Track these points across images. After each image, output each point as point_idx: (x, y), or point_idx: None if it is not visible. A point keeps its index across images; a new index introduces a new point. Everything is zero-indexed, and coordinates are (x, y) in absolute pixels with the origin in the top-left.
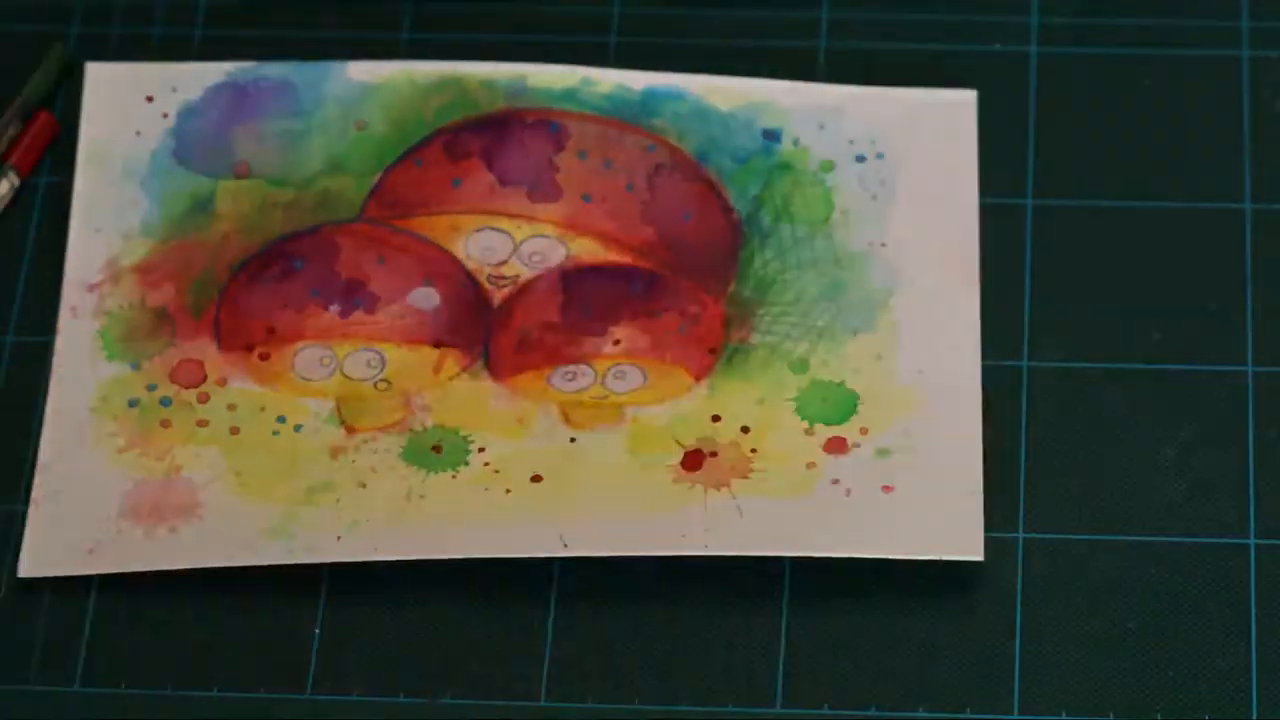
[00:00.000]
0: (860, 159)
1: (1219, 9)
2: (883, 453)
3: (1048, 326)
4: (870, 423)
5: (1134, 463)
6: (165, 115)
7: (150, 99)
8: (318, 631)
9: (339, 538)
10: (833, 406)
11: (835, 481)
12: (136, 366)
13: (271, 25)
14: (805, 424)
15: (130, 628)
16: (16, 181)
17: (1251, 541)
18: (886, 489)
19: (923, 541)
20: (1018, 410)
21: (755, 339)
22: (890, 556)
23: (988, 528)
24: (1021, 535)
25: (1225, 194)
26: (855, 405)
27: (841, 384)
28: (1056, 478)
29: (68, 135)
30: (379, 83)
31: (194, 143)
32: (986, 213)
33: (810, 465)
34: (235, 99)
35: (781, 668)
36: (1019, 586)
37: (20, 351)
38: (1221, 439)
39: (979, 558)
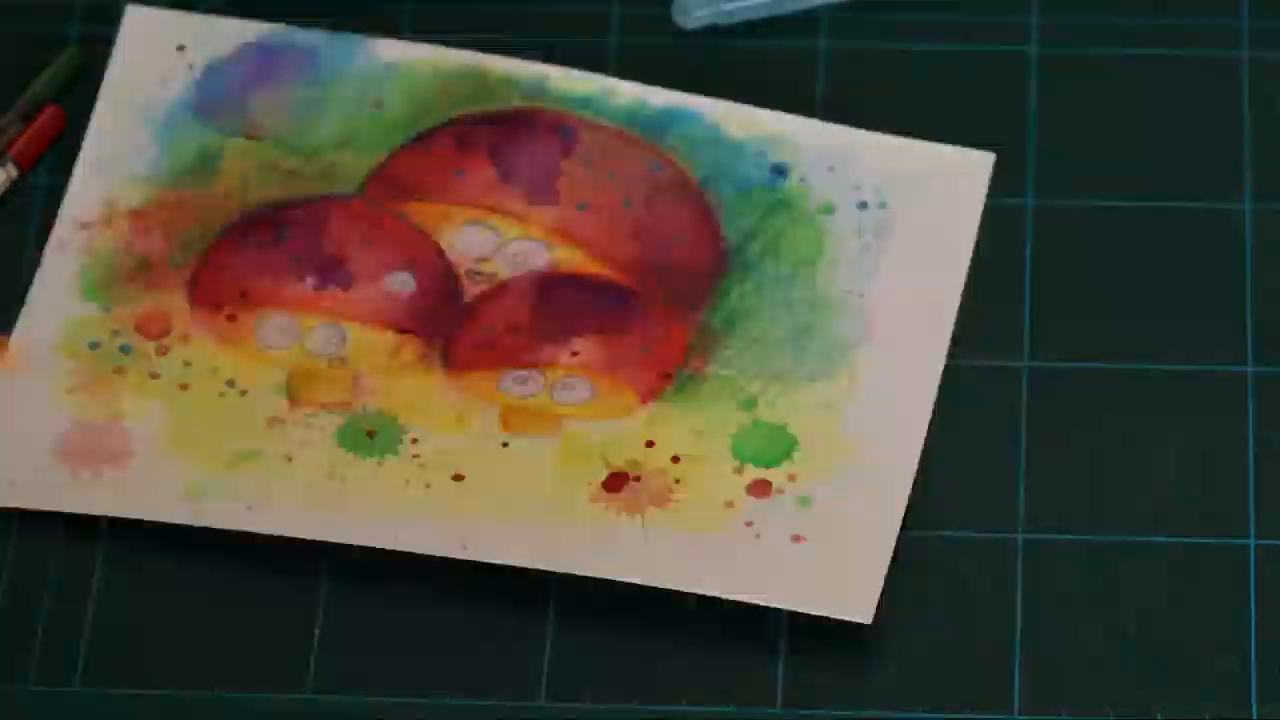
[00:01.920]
0: (862, 206)
1: (1219, 9)
2: (804, 502)
3: (1048, 326)
4: (801, 470)
5: (1134, 463)
6: (191, 66)
7: (181, 48)
8: (318, 631)
9: (250, 508)
10: (767, 448)
11: (748, 524)
12: (107, 309)
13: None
14: (736, 462)
15: (130, 627)
16: (15, 174)
17: (1251, 542)
18: (796, 539)
19: (818, 597)
20: (1018, 410)
21: (710, 370)
22: (780, 606)
23: (986, 526)
24: (1021, 535)
25: (1225, 194)
26: (791, 451)
27: (783, 427)
28: (1056, 478)
29: (74, 133)
30: (402, 63)
31: (213, 98)
32: (986, 213)
33: (729, 504)
34: (262, 60)
35: (781, 668)
36: (1019, 586)
37: None
38: (1221, 439)
39: (867, 620)
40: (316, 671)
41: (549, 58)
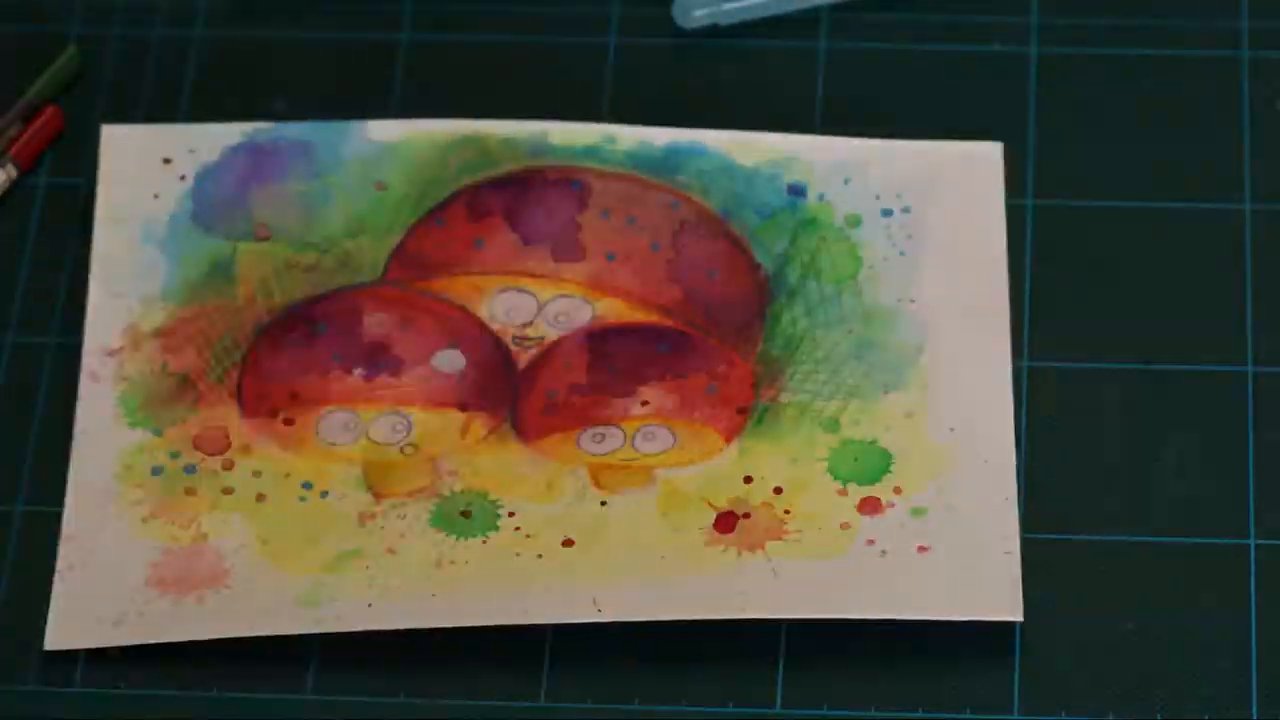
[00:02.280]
0: (887, 213)
1: (1219, 9)
2: (918, 512)
3: (1048, 326)
4: (904, 482)
5: (1134, 463)
6: (183, 178)
7: (168, 161)
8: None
9: (370, 605)
10: (865, 466)
11: (870, 542)
12: (159, 433)
13: (271, 27)
14: (838, 484)
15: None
16: (14, 174)
17: (1251, 542)
18: (922, 549)
19: (960, 602)
20: (1018, 410)
21: (785, 398)
22: (927, 618)
23: None
24: (1021, 535)
25: (1225, 194)
26: (888, 464)
27: (874, 443)
28: (1056, 478)
29: (74, 133)
30: (398, 142)
31: (212, 205)
32: None
33: (844, 526)
34: (253, 160)
35: (781, 668)
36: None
37: (20, 351)
38: (1221, 439)
39: (1017, 619)
40: (316, 671)
41: (549, 58)
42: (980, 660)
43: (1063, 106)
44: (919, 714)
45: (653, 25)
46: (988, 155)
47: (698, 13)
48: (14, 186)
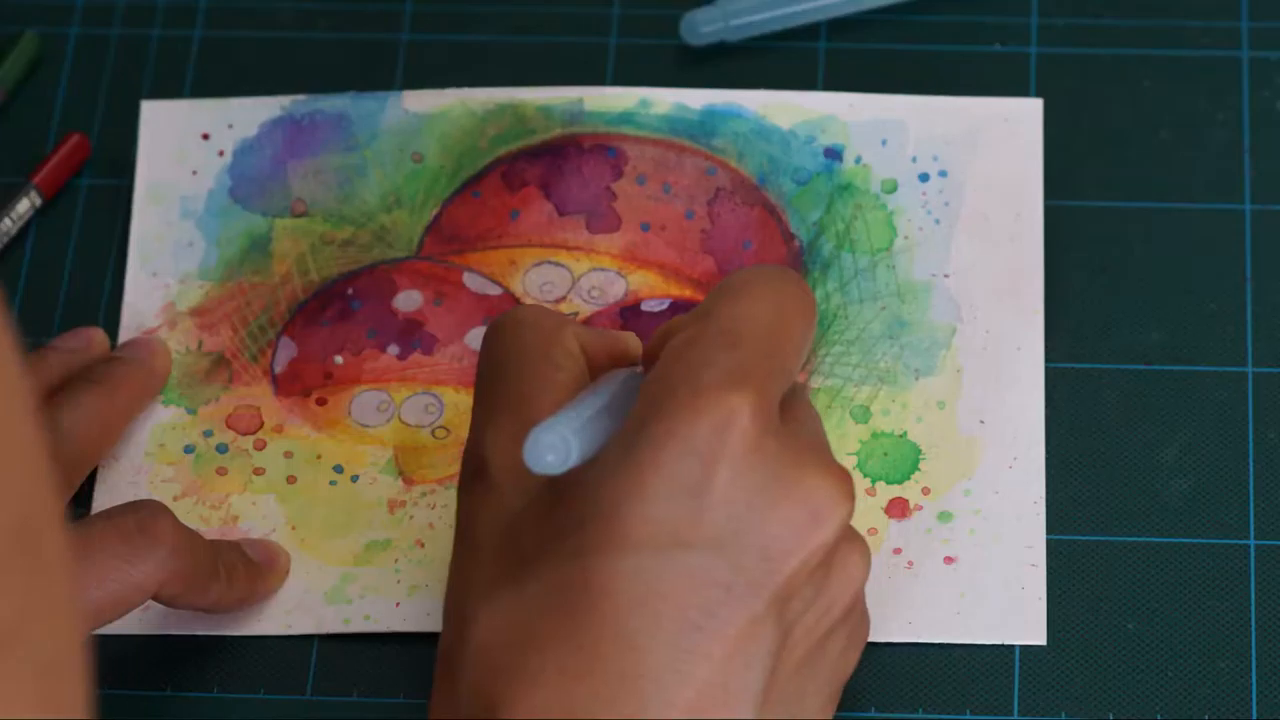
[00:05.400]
0: (923, 178)
1: (1219, 9)
2: (945, 517)
3: (1048, 326)
4: (932, 481)
5: (1134, 463)
6: (221, 153)
7: (206, 136)
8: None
9: (398, 604)
10: (894, 462)
11: (897, 551)
12: (193, 411)
13: (271, 28)
14: (867, 482)
15: (129, 628)
16: (39, 201)
17: (1251, 542)
18: (948, 560)
19: (986, 626)
20: None
21: (816, 382)
22: (952, 641)
23: None
24: None
25: (1225, 194)
26: (917, 461)
27: (903, 436)
28: (1056, 478)
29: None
30: (435, 113)
31: (250, 181)
32: None
33: (872, 531)
34: (291, 134)
35: None
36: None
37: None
38: (1221, 439)
39: (1041, 642)
40: (316, 671)
41: (549, 58)
42: (980, 661)
43: (1062, 107)
44: (919, 714)
45: (653, 25)
46: (1028, 112)
47: (705, 29)
48: (38, 214)
